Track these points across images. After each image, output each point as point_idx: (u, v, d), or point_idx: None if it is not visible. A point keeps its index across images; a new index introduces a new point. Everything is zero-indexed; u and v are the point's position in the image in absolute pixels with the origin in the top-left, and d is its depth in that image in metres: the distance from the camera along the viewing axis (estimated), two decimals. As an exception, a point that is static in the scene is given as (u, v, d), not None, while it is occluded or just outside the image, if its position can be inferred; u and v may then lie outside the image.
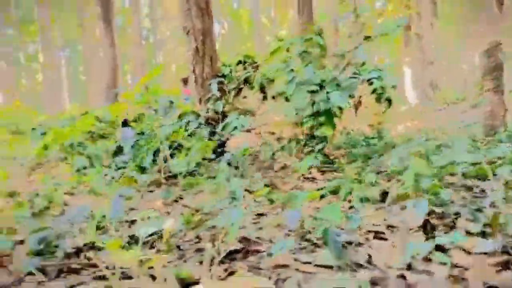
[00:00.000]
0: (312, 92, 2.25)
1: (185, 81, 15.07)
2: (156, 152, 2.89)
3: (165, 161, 2.57)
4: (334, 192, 1.79)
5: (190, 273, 1.13)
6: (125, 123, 3.38)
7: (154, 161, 2.75)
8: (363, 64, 2.69)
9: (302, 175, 2.89)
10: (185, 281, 1.11)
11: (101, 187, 2.03)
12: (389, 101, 2.78)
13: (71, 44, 30.61)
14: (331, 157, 3.17)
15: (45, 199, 1.56)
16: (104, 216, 1.37)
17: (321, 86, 2.24)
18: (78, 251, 1.48)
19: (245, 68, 3.57)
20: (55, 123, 6.40)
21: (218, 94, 3.28)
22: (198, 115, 3.28)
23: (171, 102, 3.24)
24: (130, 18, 20.70)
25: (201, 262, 1.25)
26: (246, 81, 3.51)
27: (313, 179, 2.81)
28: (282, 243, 1.13)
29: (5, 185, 2.23)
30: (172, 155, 3.06)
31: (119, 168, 2.99)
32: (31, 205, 1.50)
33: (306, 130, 3.32)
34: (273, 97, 3.78)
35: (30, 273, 1.33)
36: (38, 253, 1.39)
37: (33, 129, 6.32)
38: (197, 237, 1.62)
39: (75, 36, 31.53)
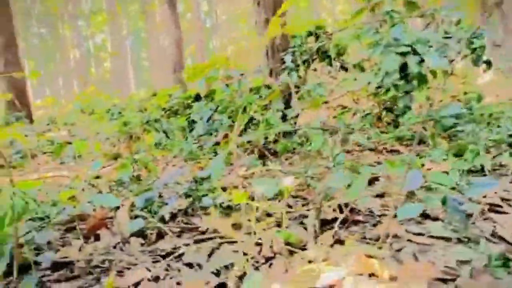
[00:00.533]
0: (402, 54, 2.05)
1: None
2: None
3: (241, 135, 2.55)
4: (456, 155, 1.62)
5: (298, 238, 1.07)
6: (198, 98, 3.40)
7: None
8: (459, 22, 2.39)
9: (384, 148, 2.71)
10: (292, 246, 1.05)
11: (197, 152, 2.07)
12: (488, 63, 2.46)
13: (135, 32, 32.06)
14: (413, 131, 2.93)
15: (142, 164, 1.61)
16: (204, 179, 1.36)
17: (412, 48, 2.03)
18: (173, 216, 1.49)
19: (317, 39, 3.40)
20: (129, 103, 6.76)
21: (292, 65, 3.17)
22: (270, 88, 3.20)
23: (242, 75, 3.19)
24: (190, 3, 21.05)
25: (305, 228, 1.18)
26: (319, 52, 3.35)
27: (397, 151, 2.62)
28: (407, 207, 1.00)
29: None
30: (245, 129, 3.03)
31: (195, 142, 3.03)
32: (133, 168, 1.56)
33: (383, 102, 3.10)
34: (345, 69, 3.58)
35: (132, 235, 1.35)
36: (138, 217, 1.42)
37: (108, 110, 6.72)
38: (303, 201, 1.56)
39: (138, 24, 32.97)
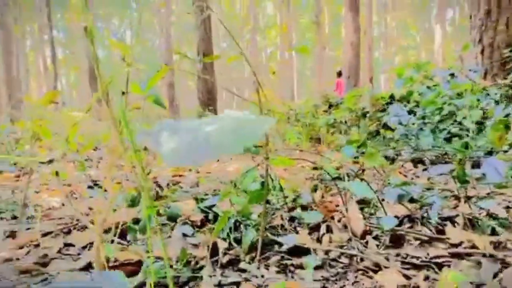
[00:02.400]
0: None
1: (339, 74, 13.74)
2: (437, 130, 2.52)
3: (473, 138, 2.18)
4: None
5: None
6: (392, 100, 3.16)
7: (447, 139, 2.39)
8: None
9: None
10: None
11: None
12: None
13: (301, 43, 33.51)
14: None
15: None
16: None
17: None
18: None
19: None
20: (306, 107, 7.01)
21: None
22: (486, 91, 2.70)
23: (452, 75, 2.78)
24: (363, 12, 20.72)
25: None
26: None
27: None
28: None
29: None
30: (448, 139, 2.62)
31: (387, 144, 2.79)
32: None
33: None
34: None
35: (364, 234, 1.25)
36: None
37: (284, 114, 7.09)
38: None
39: (305, 35, 34.38)
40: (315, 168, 2.02)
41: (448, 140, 2.55)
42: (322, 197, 1.58)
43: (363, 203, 1.52)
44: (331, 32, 31.65)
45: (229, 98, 39.99)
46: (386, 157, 2.75)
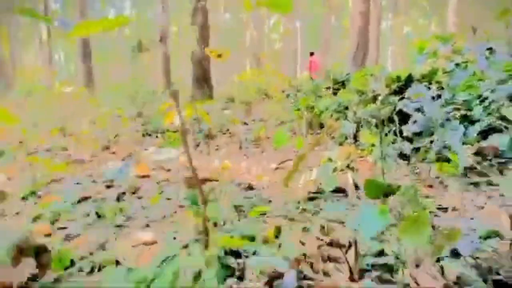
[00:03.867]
0: None
1: (311, 53, 12.95)
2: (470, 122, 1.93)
3: None
4: None
5: None
6: (409, 81, 2.55)
7: (483, 134, 1.81)
8: None
9: None
10: None
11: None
12: None
13: (306, 15, 32.22)
14: None
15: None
16: None
17: None
18: None
19: None
20: (305, 84, 6.34)
21: None
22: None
23: (490, 50, 2.16)
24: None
25: None
26: None
27: None
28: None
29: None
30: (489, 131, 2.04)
31: (408, 139, 2.21)
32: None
33: None
34: None
35: None
36: None
37: (282, 91, 6.43)
38: None
39: (313, 9, 32.97)
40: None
41: (484, 135, 1.96)
42: None
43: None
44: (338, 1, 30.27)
45: (228, 71, 38.99)
46: (402, 155, 2.18)
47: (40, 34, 22.88)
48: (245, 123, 4.67)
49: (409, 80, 2.55)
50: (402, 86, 2.55)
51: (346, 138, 2.60)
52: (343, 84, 6.37)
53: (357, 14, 6.43)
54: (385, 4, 28.69)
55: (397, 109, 2.46)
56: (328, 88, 6.14)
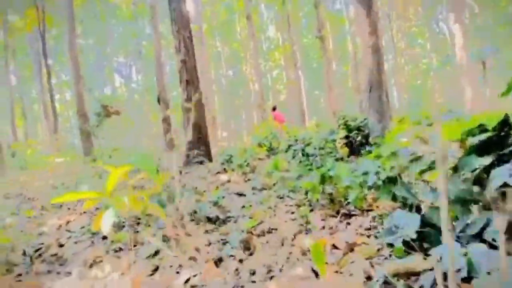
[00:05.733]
0: None
1: (274, 108, 12.24)
2: None
3: None
4: None
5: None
6: (504, 127, 1.43)
7: None
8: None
9: None
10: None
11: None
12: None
13: (308, 63, 32.32)
14: None
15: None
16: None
17: None
18: None
19: None
20: (314, 135, 5.28)
21: None
22: None
23: None
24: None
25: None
26: None
27: None
28: None
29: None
30: None
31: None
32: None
33: None
34: None
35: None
36: None
37: (288, 147, 5.37)
38: None
39: (310, 54, 33.17)
40: None
41: None
42: None
43: None
44: (336, 47, 30.27)
45: (231, 124, 38.73)
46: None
47: (45, 106, 22.74)
48: (242, 194, 3.56)
49: (503, 129, 1.44)
50: (493, 139, 1.43)
51: (406, 245, 1.43)
52: (358, 130, 5.29)
53: (367, 48, 5.51)
54: (384, 46, 28.53)
55: (496, 182, 1.32)
56: (345, 138, 5.06)
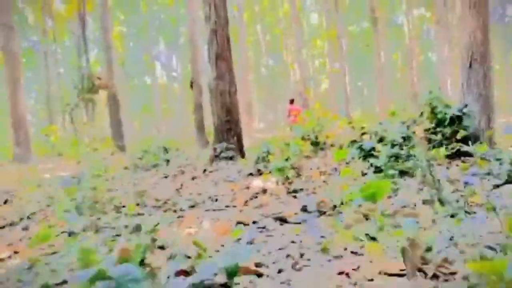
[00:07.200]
0: None
1: (291, 101, 10.28)
2: None
3: None
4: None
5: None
6: None
7: None
8: None
9: None
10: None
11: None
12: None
13: (352, 52, 30.25)
14: None
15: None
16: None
17: None
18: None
19: None
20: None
21: None
22: None
23: None
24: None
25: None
26: None
27: None
28: None
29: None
30: None
31: None
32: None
33: None
34: None
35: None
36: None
37: (353, 141, 3.92)
38: None
39: (358, 44, 30.95)
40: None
41: None
42: None
43: None
44: (386, 35, 27.83)
45: (265, 113, 37.33)
46: None
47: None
48: (283, 220, 2.21)
49: None
50: None
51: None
52: (451, 122, 3.72)
53: (465, 2, 3.92)
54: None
55: None
56: (428, 130, 3.51)
